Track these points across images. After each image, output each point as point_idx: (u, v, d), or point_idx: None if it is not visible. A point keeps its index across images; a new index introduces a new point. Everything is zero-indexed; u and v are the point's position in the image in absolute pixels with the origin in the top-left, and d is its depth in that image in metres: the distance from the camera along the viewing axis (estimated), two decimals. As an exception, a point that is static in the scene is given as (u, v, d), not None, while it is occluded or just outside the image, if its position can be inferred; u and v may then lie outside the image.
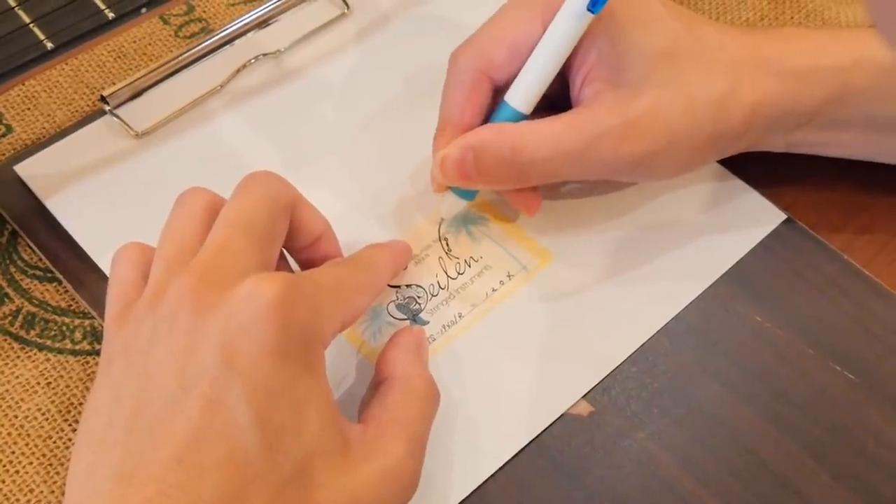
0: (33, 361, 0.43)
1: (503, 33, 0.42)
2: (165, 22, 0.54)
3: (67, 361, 0.43)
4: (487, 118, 0.43)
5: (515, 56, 0.42)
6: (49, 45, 0.44)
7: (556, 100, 0.43)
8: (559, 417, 0.41)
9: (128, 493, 0.31)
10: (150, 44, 0.53)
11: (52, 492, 0.39)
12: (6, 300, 0.44)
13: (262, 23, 0.53)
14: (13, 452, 0.40)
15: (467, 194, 0.44)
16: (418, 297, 0.44)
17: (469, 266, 0.45)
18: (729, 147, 0.44)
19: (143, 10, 0.46)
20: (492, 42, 0.42)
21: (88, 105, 0.50)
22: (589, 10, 0.39)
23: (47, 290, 0.45)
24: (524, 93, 0.42)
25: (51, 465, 0.40)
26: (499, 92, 0.43)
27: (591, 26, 0.40)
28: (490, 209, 0.46)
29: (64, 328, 0.43)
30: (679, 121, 0.41)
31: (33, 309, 0.44)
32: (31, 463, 0.40)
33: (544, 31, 0.41)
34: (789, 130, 0.44)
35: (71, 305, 0.44)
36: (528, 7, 0.42)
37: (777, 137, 0.44)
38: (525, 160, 0.41)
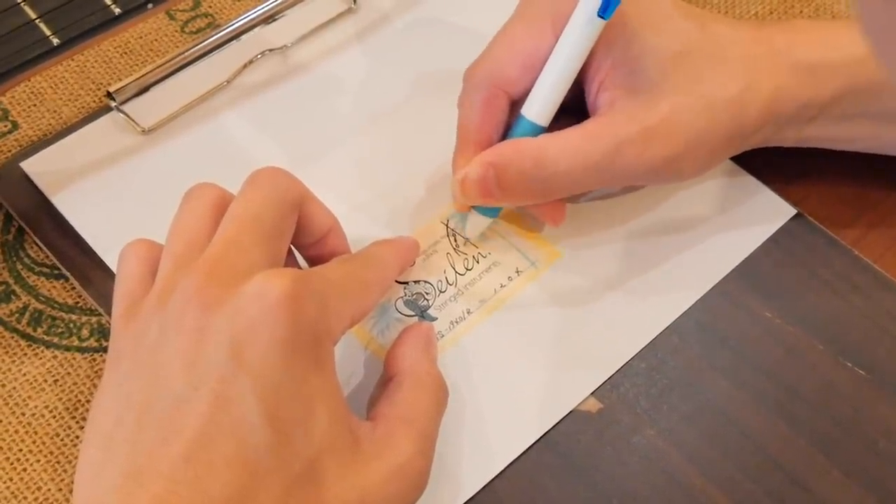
0: (40, 359, 0.42)
1: (515, 47, 0.42)
2: (171, 17, 0.53)
3: (74, 359, 0.43)
4: (506, 134, 0.43)
5: (529, 69, 0.41)
6: (55, 41, 0.43)
7: (571, 106, 0.42)
8: (568, 414, 0.41)
9: (137, 490, 0.31)
10: (156, 39, 0.53)
11: (60, 490, 0.39)
12: (13, 297, 0.44)
13: (269, 18, 0.52)
14: (20, 450, 0.40)
15: (491, 211, 0.44)
16: (426, 294, 0.44)
17: (477, 262, 0.45)
18: (744, 143, 0.43)
19: (149, 5, 0.46)
20: (504, 57, 0.42)
21: (95, 101, 0.50)
22: (600, 15, 0.39)
23: (54, 287, 0.44)
24: (541, 105, 0.41)
25: (58, 462, 0.40)
26: (515, 106, 0.42)
27: (604, 33, 0.40)
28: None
29: (71, 325, 0.43)
30: (698, 122, 0.41)
31: (40, 306, 0.44)
32: (38, 461, 0.40)
33: (556, 41, 0.41)
34: (801, 125, 0.43)
35: (78, 302, 0.44)
36: (537, 18, 0.42)
37: (789, 132, 0.44)
38: (547, 174, 0.40)
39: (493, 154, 0.41)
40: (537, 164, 0.40)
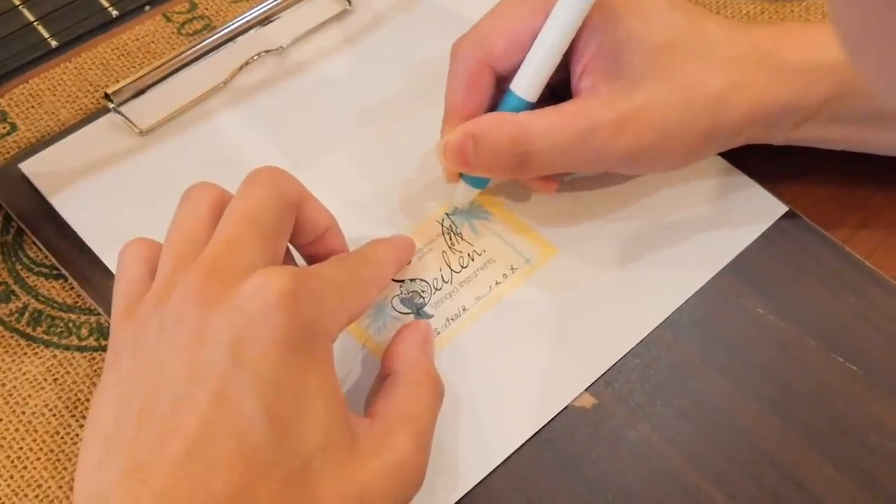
0: (40, 358, 0.43)
1: (503, 24, 0.43)
2: (168, 19, 0.54)
3: (74, 358, 0.43)
4: (492, 108, 0.43)
5: (516, 46, 0.42)
6: (53, 44, 0.44)
7: (559, 88, 0.43)
8: (563, 410, 0.41)
9: (138, 487, 0.31)
10: (153, 41, 0.53)
11: (61, 487, 0.40)
12: (12, 297, 0.44)
13: (265, 19, 0.53)
14: (21, 448, 0.41)
15: (479, 183, 0.44)
16: (422, 291, 0.44)
17: (472, 260, 0.45)
18: (728, 142, 0.44)
19: (146, 7, 0.46)
20: (492, 32, 0.43)
21: (92, 103, 0.51)
22: None
23: (53, 286, 0.45)
24: (528, 81, 0.42)
25: (59, 460, 0.40)
26: (501, 82, 0.43)
27: (591, 17, 0.41)
28: (494, 204, 0.46)
29: (70, 325, 0.44)
30: (673, 115, 0.41)
31: (39, 306, 0.44)
32: (38, 459, 0.40)
33: (545, 20, 0.41)
34: (790, 126, 0.44)
35: (77, 302, 0.44)
36: None
37: (777, 132, 0.44)
38: (522, 150, 0.41)
39: (474, 125, 0.42)
40: (513, 138, 0.41)
